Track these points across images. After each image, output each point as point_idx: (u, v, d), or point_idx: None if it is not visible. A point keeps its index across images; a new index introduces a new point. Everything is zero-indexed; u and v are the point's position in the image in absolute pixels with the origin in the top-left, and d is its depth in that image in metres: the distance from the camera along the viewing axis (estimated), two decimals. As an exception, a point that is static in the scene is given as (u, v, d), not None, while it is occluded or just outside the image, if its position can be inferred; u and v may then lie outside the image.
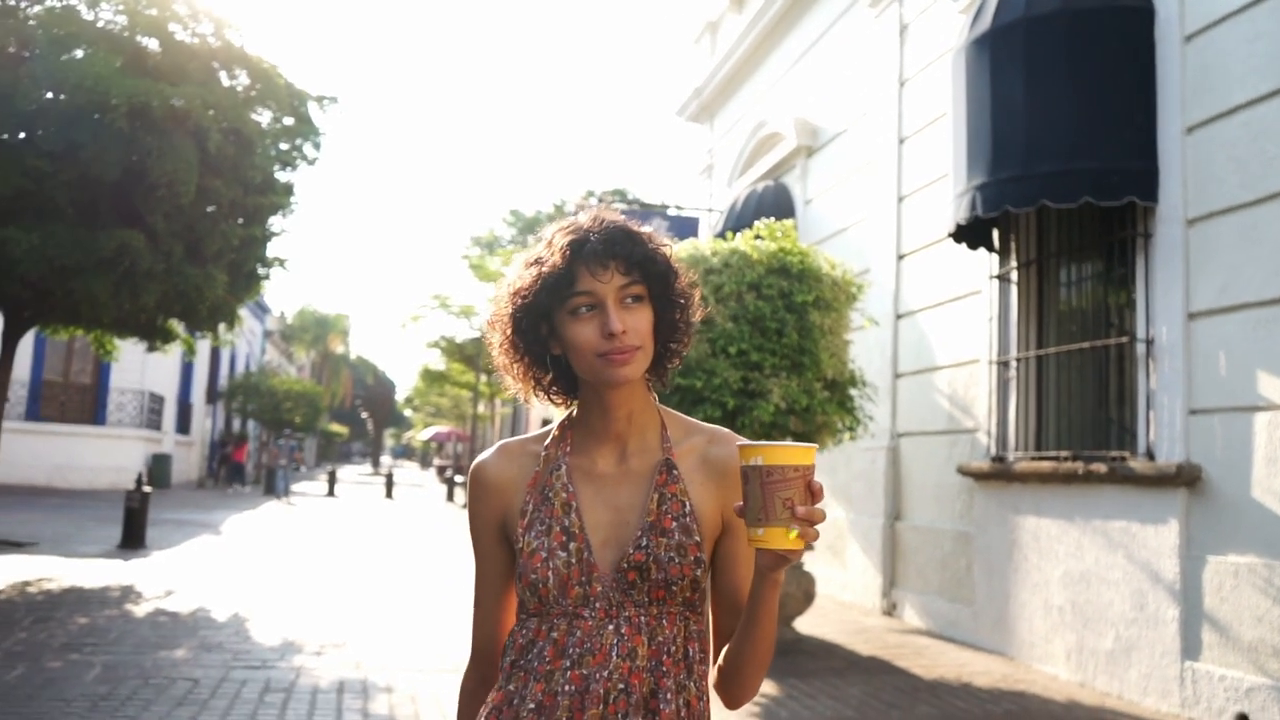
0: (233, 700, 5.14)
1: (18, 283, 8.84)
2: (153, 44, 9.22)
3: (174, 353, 13.16)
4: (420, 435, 61.04)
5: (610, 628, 1.36)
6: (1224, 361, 5.38)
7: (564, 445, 1.47)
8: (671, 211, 14.15)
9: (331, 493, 27.46)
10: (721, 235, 7.96)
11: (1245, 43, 5.38)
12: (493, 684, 1.47)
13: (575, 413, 1.49)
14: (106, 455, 22.04)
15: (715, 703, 1.43)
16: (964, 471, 7.50)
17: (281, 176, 10.41)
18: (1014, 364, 7.21)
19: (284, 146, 10.36)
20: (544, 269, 1.39)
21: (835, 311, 6.75)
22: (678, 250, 6.20)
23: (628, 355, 1.36)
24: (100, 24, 9.02)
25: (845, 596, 9.46)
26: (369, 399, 72.26)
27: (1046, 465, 6.57)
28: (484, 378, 30.77)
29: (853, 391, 7.04)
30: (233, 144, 9.15)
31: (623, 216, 1.43)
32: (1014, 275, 7.27)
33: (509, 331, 1.45)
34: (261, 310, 38.02)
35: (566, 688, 1.33)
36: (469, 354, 29.55)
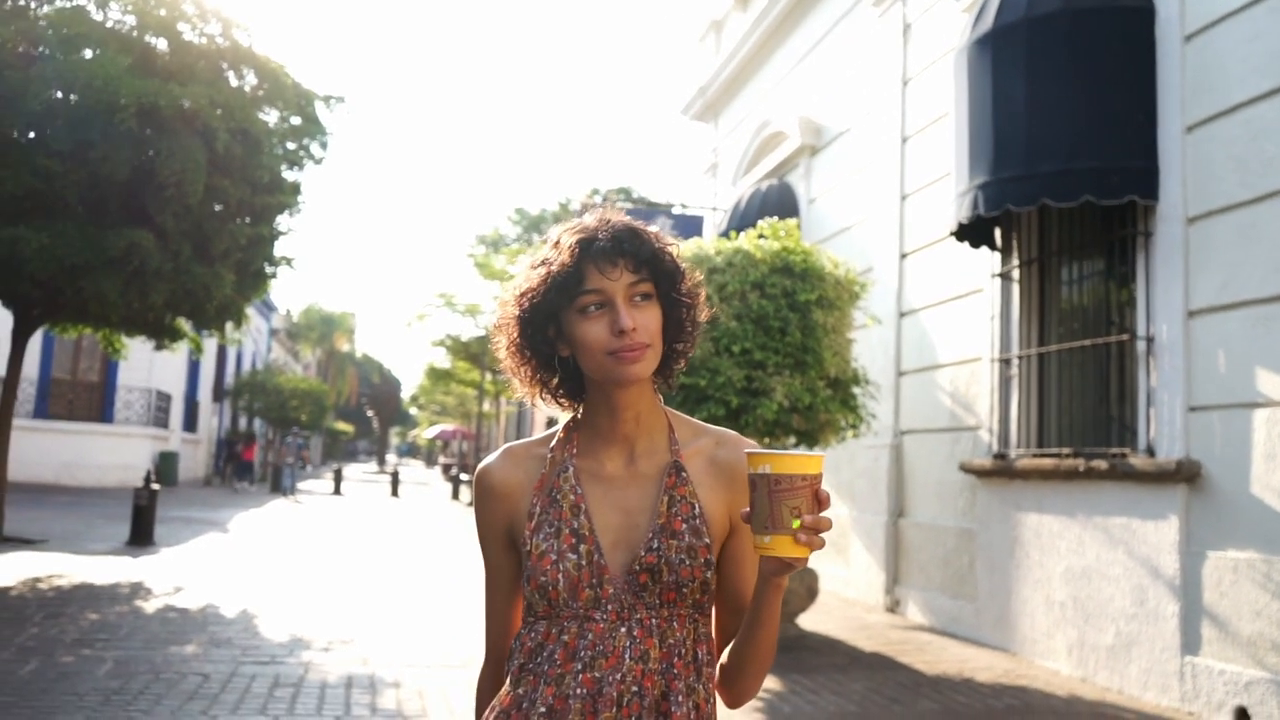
0: (243, 695, 5.21)
1: (28, 281, 8.92)
2: (161, 44, 9.30)
3: (181, 351, 13.27)
4: (425, 433, 61.16)
5: (622, 630, 1.36)
6: (1223, 359, 5.42)
7: (570, 447, 1.47)
8: (676, 210, 14.20)
9: (337, 491, 27.55)
10: (726, 234, 8.02)
11: (1244, 42, 5.42)
12: None
13: (581, 415, 1.49)
14: (114, 453, 22.15)
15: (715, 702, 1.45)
16: (966, 469, 7.55)
17: (289, 176, 10.48)
18: (1016, 362, 7.25)
19: (291, 146, 10.43)
20: (552, 268, 1.38)
21: (838, 310, 6.80)
22: (682, 249, 6.25)
23: (638, 353, 1.36)
24: (109, 24, 9.11)
25: (849, 593, 9.51)
26: (374, 397, 72.44)
27: (1048, 462, 6.61)
28: (489, 376, 30.86)
29: (855, 389, 7.09)
30: (240, 143, 9.22)
31: (628, 216, 1.44)
32: (1016, 273, 7.31)
33: (516, 334, 1.44)
34: (268, 308, 38.12)
35: (578, 691, 1.33)
36: (474, 352, 29.61)
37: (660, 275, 1.40)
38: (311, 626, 7.17)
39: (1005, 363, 7.34)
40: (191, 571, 9.67)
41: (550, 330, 1.42)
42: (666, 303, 1.42)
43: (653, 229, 1.44)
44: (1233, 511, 5.29)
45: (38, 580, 8.51)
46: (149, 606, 7.66)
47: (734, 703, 1.44)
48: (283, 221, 10.71)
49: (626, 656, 1.34)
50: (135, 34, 9.14)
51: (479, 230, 38.26)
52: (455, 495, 27.68)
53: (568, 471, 1.43)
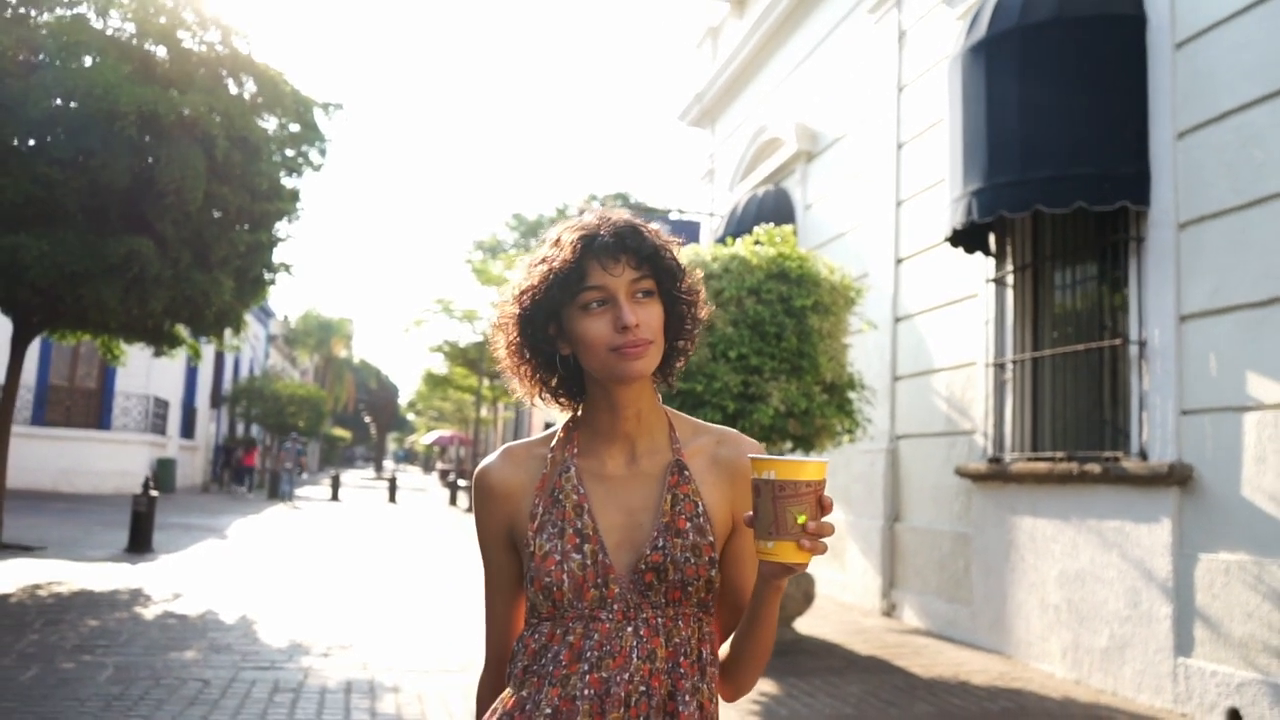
0: (243, 700, 5.24)
1: (28, 288, 8.95)
2: (161, 52, 9.34)
3: (179, 357, 13.28)
4: (423, 439, 61.14)
5: (629, 630, 1.35)
6: (1214, 363, 5.48)
7: (570, 447, 1.46)
8: (673, 216, 14.25)
9: (335, 497, 27.56)
10: (722, 240, 8.06)
11: (1234, 50, 5.48)
12: None
13: (581, 414, 1.48)
14: (112, 460, 22.16)
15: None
16: (962, 473, 7.59)
17: (288, 183, 10.51)
18: (1010, 366, 7.30)
19: (290, 153, 10.47)
20: (554, 265, 1.38)
21: (834, 315, 6.85)
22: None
23: (641, 349, 1.35)
24: (109, 32, 9.15)
25: (845, 597, 9.55)
26: (372, 403, 72.39)
27: (1042, 466, 6.66)
28: (486, 382, 30.89)
29: (851, 394, 7.13)
30: (240, 151, 9.26)
31: (629, 214, 1.44)
32: (1010, 279, 7.37)
33: (516, 333, 1.44)
34: (265, 314, 38.14)
35: (585, 691, 1.32)
36: (472, 358, 29.64)
37: (662, 272, 1.40)
38: (311, 632, 7.20)
39: (1000, 367, 7.39)
40: (191, 578, 9.69)
41: (551, 328, 1.42)
42: (668, 300, 1.42)
43: (653, 227, 1.44)
44: (1224, 514, 5.34)
45: (37, 587, 8.53)
46: (149, 613, 7.68)
47: (732, 696, 1.46)
48: (281, 228, 10.75)
49: (634, 656, 1.34)
50: (135, 42, 9.18)
51: (477, 236, 38.39)
52: (453, 501, 27.68)
53: (569, 471, 1.43)
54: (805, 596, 7.17)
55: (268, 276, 11.01)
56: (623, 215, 1.42)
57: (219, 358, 30.69)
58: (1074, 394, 6.78)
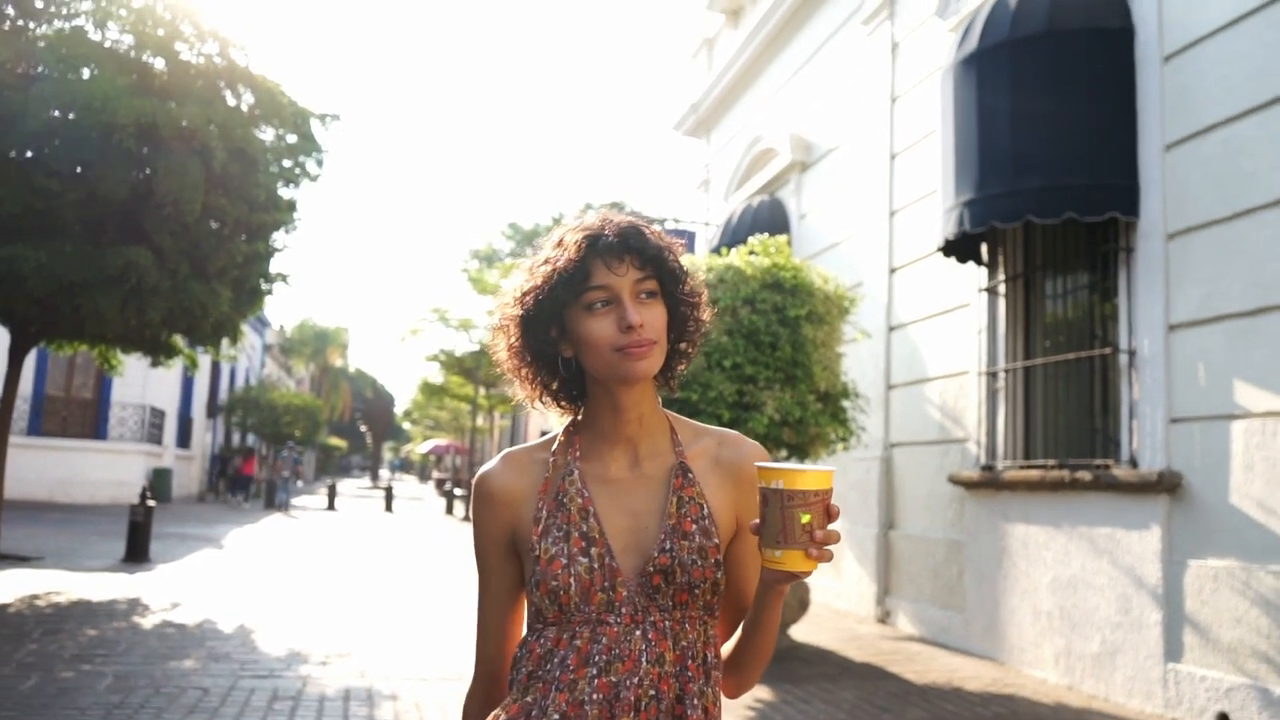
0: (242, 708, 5.27)
1: (26, 299, 8.98)
2: (159, 63, 9.38)
3: (175, 367, 13.30)
4: (419, 448, 61.15)
5: (637, 633, 1.34)
6: (1203, 371, 5.54)
7: (572, 451, 1.44)
8: (669, 225, 14.30)
9: (331, 506, 27.54)
10: (718, 249, 8.13)
11: (1221, 63, 5.56)
12: (498, 704, 1.44)
13: (582, 418, 1.47)
14: (108, 470, 22.14)
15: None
16: (955, 481, 7.65)
17: (285, 193, 10.55)
18: (1002, 375, 7.37)
19: (287, 164, 10.51)
20: (557, 265, 1.36)
21: (828, 325, 6.91)
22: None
23: (645, 349, 1.34)
24: (107, 44, 9.19)
25: (840, 605, 9.59)
26: (368, 412, 72.29)
27: (1034, 474, 6.72)
28: (483, 391, 30.91)
29: (845, 403, 7.19)
30: (237, 162, 9.30)
31: (632, 216, 1.43)
32: (1002, 288, 7.44)
33: (517, 335, 1.42)
34: (261, 324, 38.16)
35: (594, 696, 1.31)
36: (468, 367, 29.66)
37: (665, 274, 1.40)
38: (309, 640, 7.23)
39: (992, 376, 7.46)
40: (188, 587, 9.72)
41: (553, 330, 1.40)
42: (671, 301, 1.41)
43: (656, 229, 1.44)
44: (1213, 521, 5.40)
45: (35, 597, 8.55)
46: (147, 622, 7.71)
47: (735, 694, 1.48)
48: (279, 238, 10.79)
49: (643, 660, 1.33)
50: (133, 54, 9.23)
51: (473, 245, 38.36)
52: (449, 510, 27.68)
53: (573, 475, 1.41)
54: (801, 603, 7.22)
55: (265, 287, 11.05)
56: (625, 216, 1.42)
57: (215, 367, 30.69)
58: (1065, 402, 6.85)
